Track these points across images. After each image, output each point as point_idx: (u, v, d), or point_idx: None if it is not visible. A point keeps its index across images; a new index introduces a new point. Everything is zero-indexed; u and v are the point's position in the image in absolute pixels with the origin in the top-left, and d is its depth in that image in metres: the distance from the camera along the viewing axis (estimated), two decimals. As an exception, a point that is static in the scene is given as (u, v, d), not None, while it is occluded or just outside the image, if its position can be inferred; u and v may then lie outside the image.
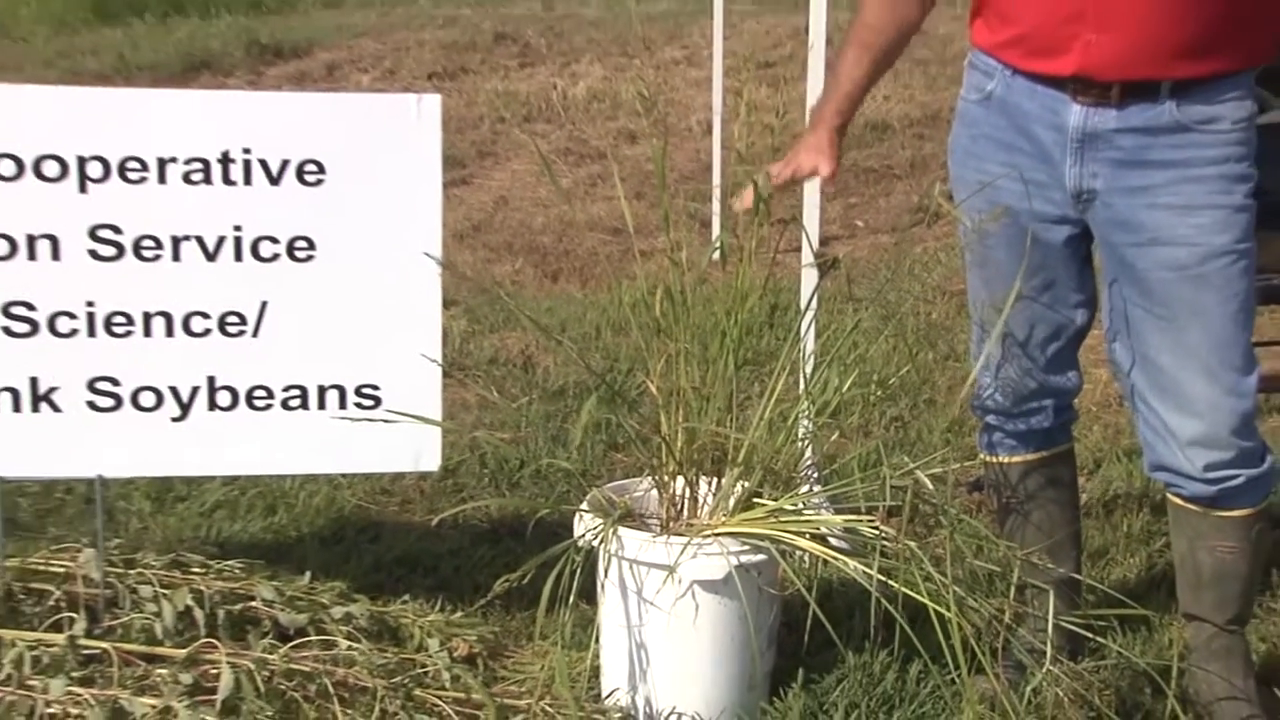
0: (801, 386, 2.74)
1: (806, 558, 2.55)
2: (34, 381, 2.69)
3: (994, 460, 2.76)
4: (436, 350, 2.77)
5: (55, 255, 2.64)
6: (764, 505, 2.56)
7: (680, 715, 2.57)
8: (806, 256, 3.05)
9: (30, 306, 2.66)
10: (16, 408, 2.69)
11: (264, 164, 2.68)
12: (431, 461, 2.84)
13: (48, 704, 2.47)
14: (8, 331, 2.66)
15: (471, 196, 6.66)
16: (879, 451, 2.68)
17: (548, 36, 9.65)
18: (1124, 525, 3.44)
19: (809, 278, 3.15)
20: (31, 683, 2.50)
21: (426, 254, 2.73)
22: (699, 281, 2.71)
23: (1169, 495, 2.59)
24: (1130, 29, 2.31)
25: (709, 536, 2.51)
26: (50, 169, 2.62)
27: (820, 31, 3.34)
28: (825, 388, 2.66)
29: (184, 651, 2.59)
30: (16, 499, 3.34)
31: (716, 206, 5.53)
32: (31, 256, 2.64)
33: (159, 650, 2.62)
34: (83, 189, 2.63)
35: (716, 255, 2.74)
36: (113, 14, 10.12)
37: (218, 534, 3.34)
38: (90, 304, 2.68)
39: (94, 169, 2.63)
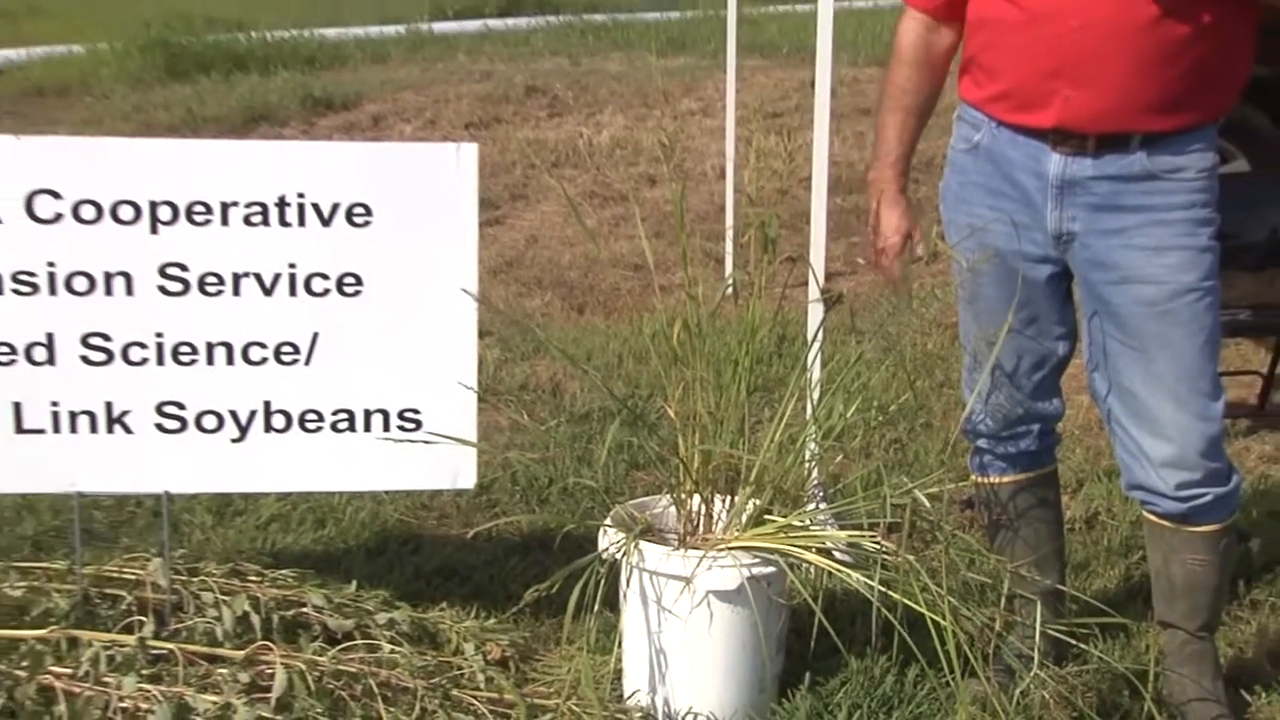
0: (809, 412, 2.74)
1: (813, 570, 2.55)
2: (109, 405, 2.71)
3: (985, 480, 2.76)
4: (472, 377, 2.78)
5: (129, 291, 2.67)
6: (774, 521, 2.57)
7: (696, 715, 2.57)
8: (813, 292, 3.05)
9: (106, 337, 2.68)
10: (93, 429, 2.71)
11: (316, 207, 2.70)
12: (468, 479, 2.85)
13: (120, 699, 2.48)
14: (86, 360, 2.68)
15: (505, 235, 6.67)
16: (879, 472, 2.69)
17: (574, 89, 9.66)
18: (1104, 540, 3.42)
19: (815, 312, 3.16)
20: (106, 680, 2.52)
21: (464, 289, 2.73)
22: (714, 314, 2.73)
23: (1144, 512, 2.59)
24: (1104, 87, 2.32)
25: (723, 550, 2.51)
26: (125, 213, 2.64)
27: (825, 84, 3.34)
28: (831, 413, 2.67)
29: (242, 653, 2.60)
30: (92, 511, 3.35)
31: (729, 245, 5.54)
32: (108, 292, 2.66)
33: (219, 651, 2.63)
34: (154, 231, 2.66)
35: (730, 291, 2.76)
36: (182, 72, 10.19)
37: (272, 545, 3.35)
38: (159, 335, 2.70)
39: (164, 213, 2.66)
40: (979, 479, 2.77)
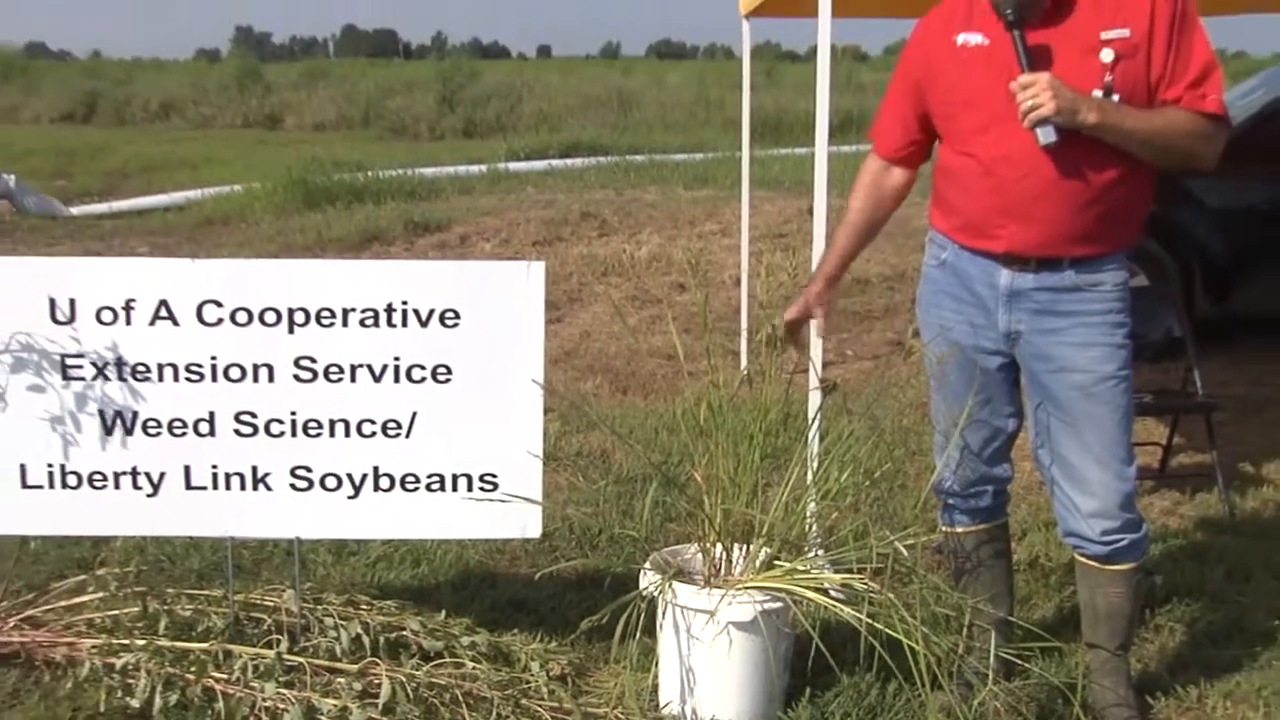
0: (809, 478, 2.74)
1: (813, 605, 2.54)
2: (254, 468, 2.76)
3: (950, 531, 2.75)
4: (539, 448, 2.78)
5: (271, 378, 2.72)
6: (781, 566, 2.57)
7: (718, 721, 2.56)
8: (812, 381, 3.06)
9: (253, 415, 2.73)
10: (243, 487, 2.76)
11: (417, 312, 2.73)
12: (534, 530, 2.85)
13: (264, 700, 2.52)
14: (238, 433, 2.73)
15: (564, 331, 6.69)
16: (866, 526, 2.67)
17: (619, 215, 9.72)
18: (1043, 579, 3.39)
19: (814, 397, 3.16)
20: (253, 684, 2.56)
21: (533, 379, 2.75)
22: (732, 397, 2.73)
23: (1076, 555, 2.58)
24: (1041, 224, 2.38)
25: (740, 589, 2.51)
26: (270, 317, 2.70)
27: (821, 212, 3.36)
28: (827, 479, 2.67)
29: (356, 667, 2.62)
30: (241, 551, 3.39)
31: (744, 340, 5.55)
32: (255, 379, 2.72)
33: (338, 665, 2.65)
34: (291, 331, 2.71)
35: (745, 378, 2.77)
36: (314, 203, 10.40)
37: (379, 580, 3.36)
38: (293, 413, 2.74)
39: (299, 316, 2.71)
40: (946, 530, 2.77)
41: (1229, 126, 2.35)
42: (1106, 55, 2.28)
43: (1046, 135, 2.26)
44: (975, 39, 2.40)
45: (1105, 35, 2.28)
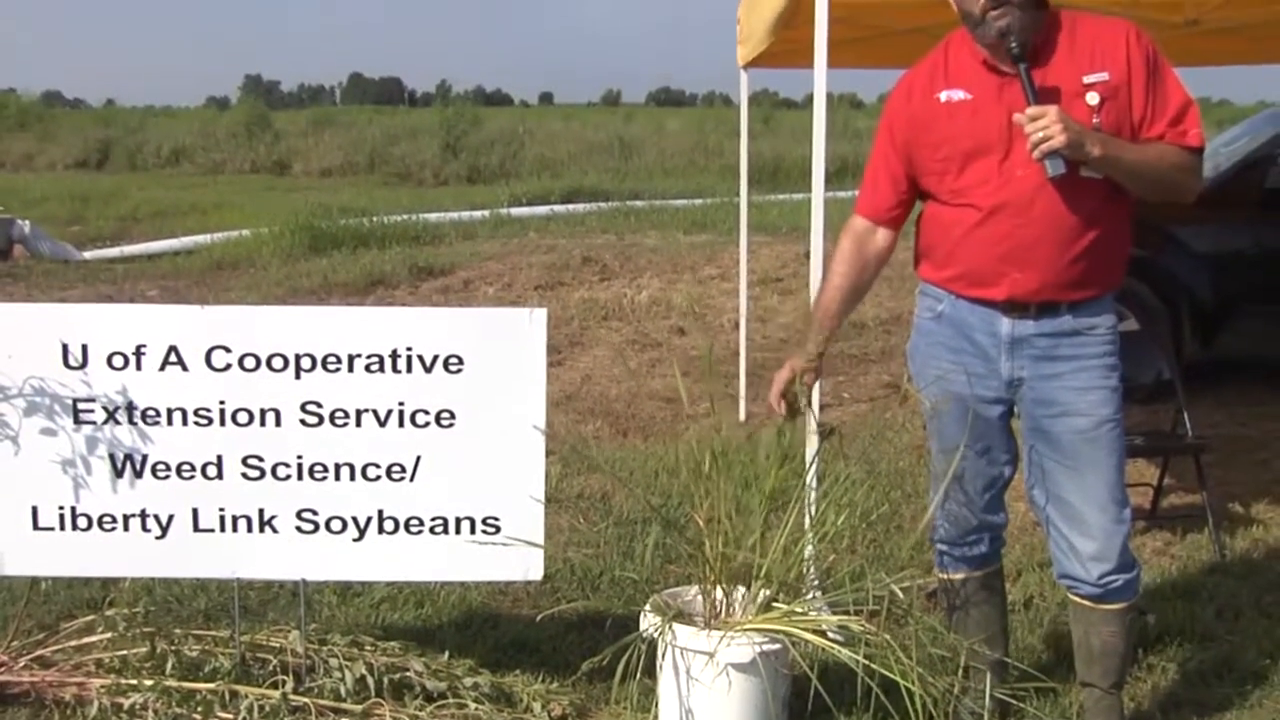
0: (807, 521, 2.74)
1: (810, 646, 2.53)
2: (261, 511, 2.76)
3: (945, 576, 2.74)
4: (541, 492, 2.78)
5: (278, 423, 2.73)
6: (780, 608, 2.55)
7: (717, 762, 2.53)
8: (811, 425, 3.06)
9: (260, 459, 2.74)
10: (249, 529, 2.76)
11: (421, 358, 2.74)
12: (536, 572, 2.84)
13: (268, 742, 2.49)
14: (245, 476, 2.73)
15: (565, 374, 6.69)
16: (863, 568, 2.66)
17: (620, 259, 9.75)
18: (1038, 619, 3.37)
19: (812, 442, 3.16)
20: (258, 725, 2.54)
21: (534, 425, 2.74)
22: (734, 444, 2.72)
23: (1070, 595, 2.58)
24: (1040, 269, 2.40)
25: (739, 631, 2.50)
26: (277, 363, 2.71)
27: (818, 256, 3.37)
28: (824, 522, 2.66)
29: (360, 707, 2.61)
30: (248, 592, 3.38)
31: (743, 384, 5.56)
32: (262, 423, 2.73)
33: (343, 705, 2.64)
34: (297, 376, 2.72)
35: (743, 420, 2.77)
36: (321, 248, 10.47)
37: (383, 621, 3.34)
38: (300, 457, 2.75)
39: (305, 362, 2.72)
40: (941, 574, 2.75)
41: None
42: (1092, 98, 2.33)
43: (1055, 167, 2.28)
44: (958, 95, 2.43)
45: (1087, 80, 2.33)
